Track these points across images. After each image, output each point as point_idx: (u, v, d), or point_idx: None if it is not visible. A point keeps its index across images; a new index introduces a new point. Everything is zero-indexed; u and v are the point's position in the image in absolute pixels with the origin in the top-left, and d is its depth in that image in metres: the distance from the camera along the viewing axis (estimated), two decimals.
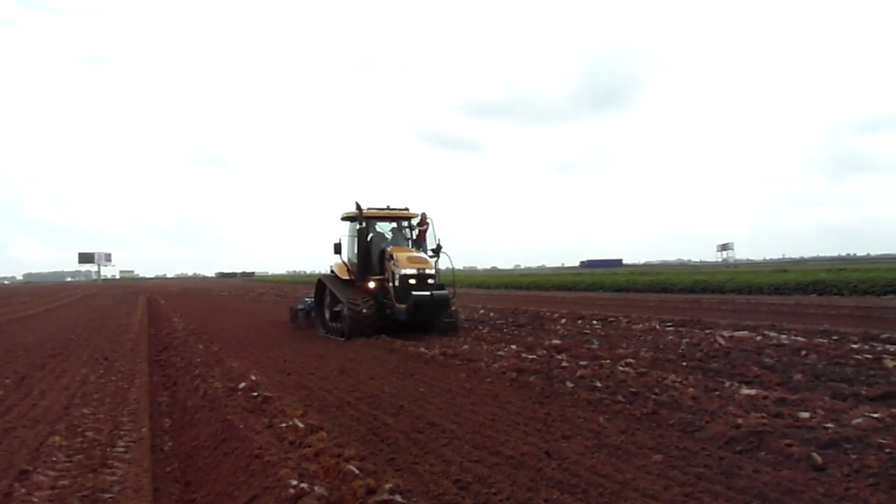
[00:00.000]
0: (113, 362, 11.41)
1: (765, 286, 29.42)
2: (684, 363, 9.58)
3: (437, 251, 15.75)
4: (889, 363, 8.89)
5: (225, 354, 11.72)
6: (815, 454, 4.93)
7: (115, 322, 21.52)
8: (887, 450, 4.92)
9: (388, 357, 11.51)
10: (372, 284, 15.05)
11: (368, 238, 15.42)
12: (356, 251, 15.50)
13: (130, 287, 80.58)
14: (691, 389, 7.45)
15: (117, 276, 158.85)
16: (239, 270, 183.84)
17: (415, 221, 16.26)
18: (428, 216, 16.05)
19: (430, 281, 14.50)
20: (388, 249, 15.20)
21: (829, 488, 4.37)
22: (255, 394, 7.90)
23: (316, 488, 4.41)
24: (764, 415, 6.12)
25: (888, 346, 10.40)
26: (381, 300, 14.74)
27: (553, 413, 6.84)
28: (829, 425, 5.71)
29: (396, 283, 14.39)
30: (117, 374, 10.16)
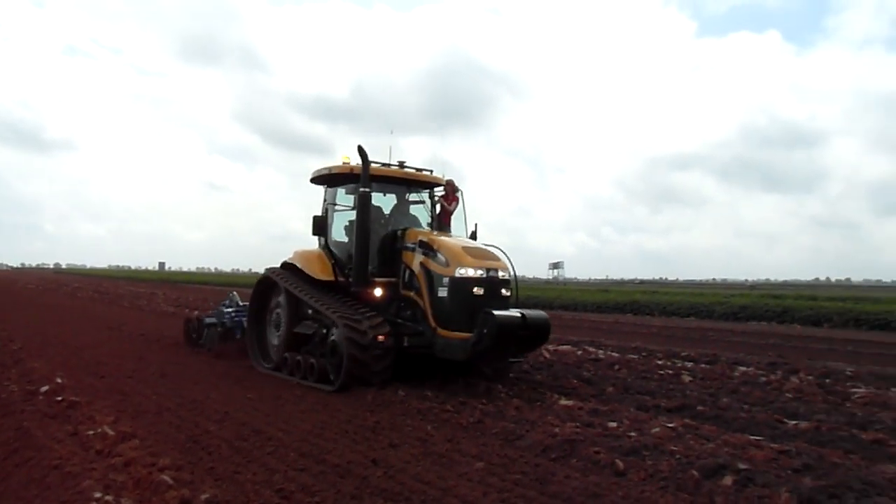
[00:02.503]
0: None
1: (589, 304, 31.72)
2: (511, 374, 10.06)
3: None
4: (686, 378, 9.94)
5: (26, 353, 10.56)
6: (618, 461, 5.38)
7: None
8: (677, 456, 5.48)
9: (216, 362, 10.98)
10: (378, 291, 9.41)
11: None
12: (352, 233, 9.60)
13: None
14: (516, 400, 7.84)
15: None
16: None
17: (438, 192, 10.65)
18: (458, 186, 10.56)
19: (505, 292, 8.87)
20: (409, 232, 9.46)
21: (628, 492, 4.79)
22: (60, 398, 7.20)
23: (123, 500, 4.10)
24: (578, 424, 6.58)
25: (686, 363, 11.62)
26: (393, 319, 9.09)
27: (383, 421, 6.89)
28: (632, 434, 6.25)
29: (441, 294, 8.60)
30: None
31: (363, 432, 6.42)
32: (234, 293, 13.05)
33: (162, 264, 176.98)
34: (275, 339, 10.45)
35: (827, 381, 9.96)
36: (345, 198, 10.11)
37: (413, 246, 9.17)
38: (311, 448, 5.77)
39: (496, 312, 7.98)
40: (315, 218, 9.82)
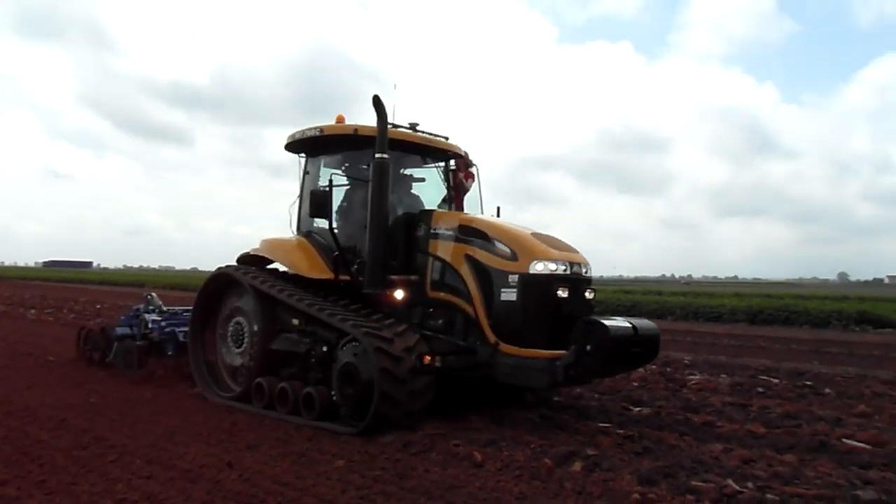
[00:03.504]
0: None
1: None
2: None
3: None
4: None
5: None
6: (476, 452, 5.52)
7: None
8: (532, 446, 5.73)
9: (54, 365, 10.05)
10: (400, 294, 7.20)
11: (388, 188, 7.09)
12: (347, 216, 7.86)
13: None
14: None
15: None
16: None
17: (453, 165, 8.49)
18: (471, 161, 8.47)
19: (589, 295, 6.95)
20: (436, 215, 7.45)
21: (484, 482, 4.92)
22: None
23: None
24: (439, 418, 6.68)
25: None
26: (419, 331, 6.83)
27: (240, 422, 6.63)
28: (491, 426, 6.47)
29: (506, 297, 6.48)
30: None
31: (218, 435, 6.15)
32: (153, 295, 10.39)
33: None
34: (234, 358, 7.99)
35: (668, 369, 10.83)
36: (326, 171, 7.95)
37: (445, 232, 7.11)
38: (159, 454, 5.45)
39: (606, 322, 6.01)
40: (315, 194, 7.10)
